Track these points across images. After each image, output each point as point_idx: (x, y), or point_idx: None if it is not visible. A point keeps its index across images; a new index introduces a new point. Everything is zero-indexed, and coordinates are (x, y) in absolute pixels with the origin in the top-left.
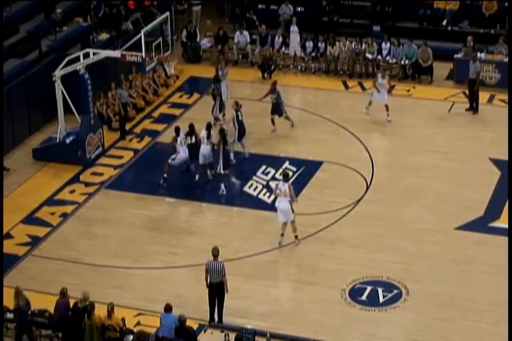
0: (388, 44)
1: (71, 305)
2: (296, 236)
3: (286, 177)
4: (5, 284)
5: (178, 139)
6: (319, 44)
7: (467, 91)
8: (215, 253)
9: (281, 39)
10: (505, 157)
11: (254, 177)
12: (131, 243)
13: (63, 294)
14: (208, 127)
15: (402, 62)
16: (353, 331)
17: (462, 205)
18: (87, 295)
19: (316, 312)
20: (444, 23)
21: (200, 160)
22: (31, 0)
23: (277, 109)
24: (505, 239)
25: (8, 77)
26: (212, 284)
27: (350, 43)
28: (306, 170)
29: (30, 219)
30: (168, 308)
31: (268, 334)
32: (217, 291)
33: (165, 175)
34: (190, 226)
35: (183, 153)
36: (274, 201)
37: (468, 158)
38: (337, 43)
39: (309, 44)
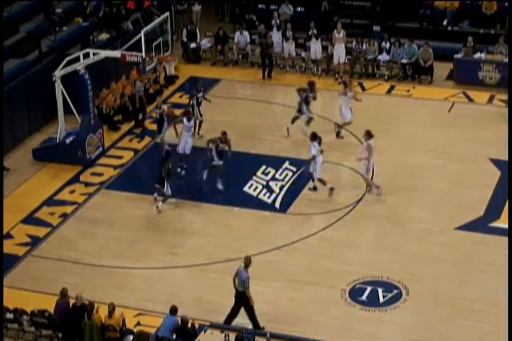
0: (388, 43)
1: (71, 305)
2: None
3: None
4: (5, 284)
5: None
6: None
7: (467, 92)
8: (247, 262)
9: (275, 29)
10: (505, 157)
11: (254, 178)
12: (132, 243)
13: (63, 294)
14: (314, 136)
15: (403, 62)
16: (352, 331)
17: (462, 205)
18: (80, 295)
19: (315, 312)
20: (445, 23)
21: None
22: (31, 0)
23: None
24: (505, 239)
25: (8, 77)
26: (236, 290)
27: (350, 43)
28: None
29: (30, 219)
30: (173, 310)
31: (268, 334)
32: (240, 299)
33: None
34: (191, 226)
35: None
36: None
37: (468, 158)
38: None
39: (309, 44)
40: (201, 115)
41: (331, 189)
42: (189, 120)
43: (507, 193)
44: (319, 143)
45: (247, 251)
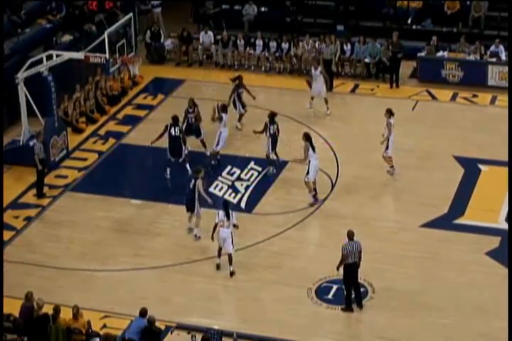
0: (349, 45)
1: (34, 315)
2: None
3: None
4: None
5: None
6: (283, 44)
7: (430, 90)
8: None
9: (242, 42)
10: (468, 154)
11: (220, 178)
12: (97, 245)
13: (28, 298)
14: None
15: (366, 61)
16: (319, 330)
17: (427, 203)
18: (41, 302)
19: (282, 312)
20: (409, 21)
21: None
22: None
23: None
24: (469, 236)
25: None
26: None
27: (313, 42)
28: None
29: None
30: (143, 312)
31: (235, 334)
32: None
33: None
34: (156, 227)
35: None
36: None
37: (432, 156)
38: (300, 43)
39: (273, 44)
40: (243, 107)
41: (315, 198)
42: (226, 113)
43: (470, 190)
44: (313, 148)
45: (212, 252)
